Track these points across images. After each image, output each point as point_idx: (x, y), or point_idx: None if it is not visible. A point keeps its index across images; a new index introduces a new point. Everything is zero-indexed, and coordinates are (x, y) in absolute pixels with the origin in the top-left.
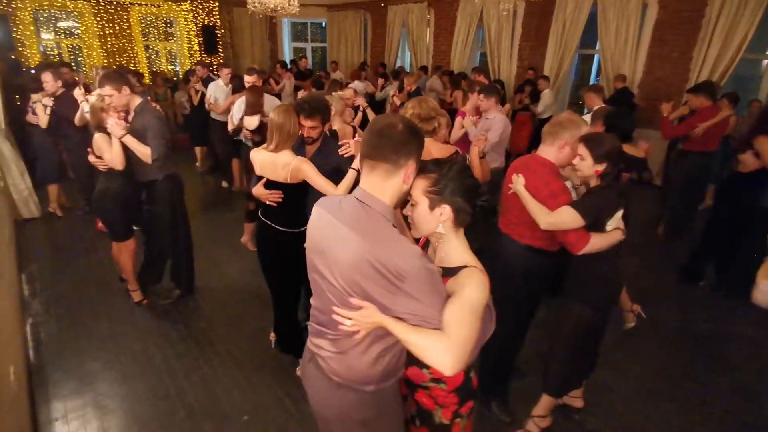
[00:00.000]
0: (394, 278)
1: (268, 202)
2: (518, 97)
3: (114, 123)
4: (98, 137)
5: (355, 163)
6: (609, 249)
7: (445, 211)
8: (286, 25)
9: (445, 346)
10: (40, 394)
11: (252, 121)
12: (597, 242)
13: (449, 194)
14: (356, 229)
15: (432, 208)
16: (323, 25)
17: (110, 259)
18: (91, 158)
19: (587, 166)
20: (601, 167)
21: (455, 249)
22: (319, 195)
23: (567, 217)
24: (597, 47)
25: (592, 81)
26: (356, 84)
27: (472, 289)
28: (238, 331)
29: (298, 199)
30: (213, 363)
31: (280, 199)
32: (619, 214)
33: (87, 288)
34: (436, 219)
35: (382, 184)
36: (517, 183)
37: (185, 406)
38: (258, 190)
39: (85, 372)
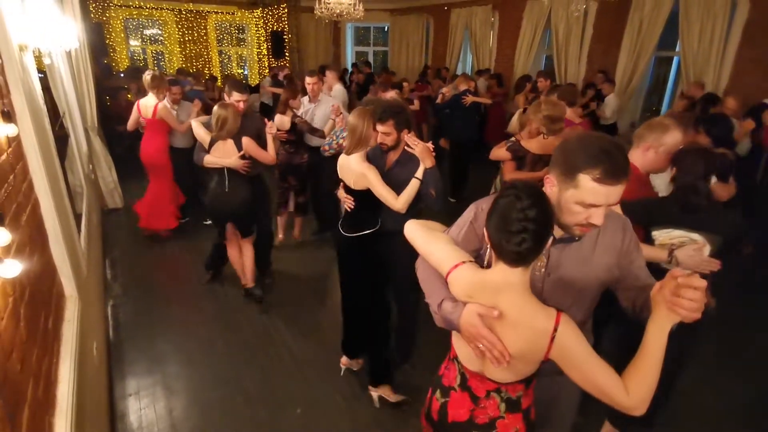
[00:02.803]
0: None
1: (345, 207)
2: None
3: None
4: (251, 141)
5: (419, 172)
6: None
7: (486, 236)
8: (350, 29)
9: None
10: (116, 371)
11: (283, 121)
12: None
13: (486, 225)
14: None
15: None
16: (385, 29)
17: (182, 248)
18: (240, 162)
19: (668, 173)
20: (672, 171)
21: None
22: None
23: None
24: (677, 49)
25: (669, 86)
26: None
27: (446, 246)
28: (294, 326)
29: (368, 204)
30: (270, 354)
31: (353, 205)
32: (679, 233)
33: (161, 274)
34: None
35: None
36: None
37: (243, 393)
38: (340, 193)
39: (156, 353)
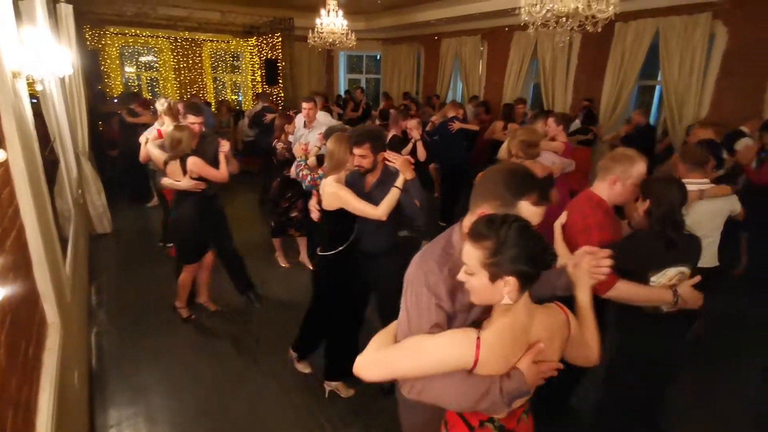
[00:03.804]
0: None
1: (312, 216)
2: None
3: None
4: (197, 160)
5: (398, 182)
6: (656, 311)
7: (510, 282)
8: (343, 57)
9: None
10: (98, 400)
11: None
12: (627, 290)
13: (510, 263)
14: None
15: (493, 280)
16: (378, 58)
17: (170, 275)
18: (192, 182)
19: (639, 204)
20: (644, 205)
21: (498, 313)
22: (365, 218)
23: None
24: (659, 78)
25: (653, 113)
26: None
27: (445, 340)
28: (284, 352)
29: (339, 225)
30: (258, 382)
31: (319, 216)
32: (674, 272)
33: (148, 301)
34: (500, 291)
35: None
36: (558, 220)
37: (229, 423)
38: (310, 204)
39: (140, 383)
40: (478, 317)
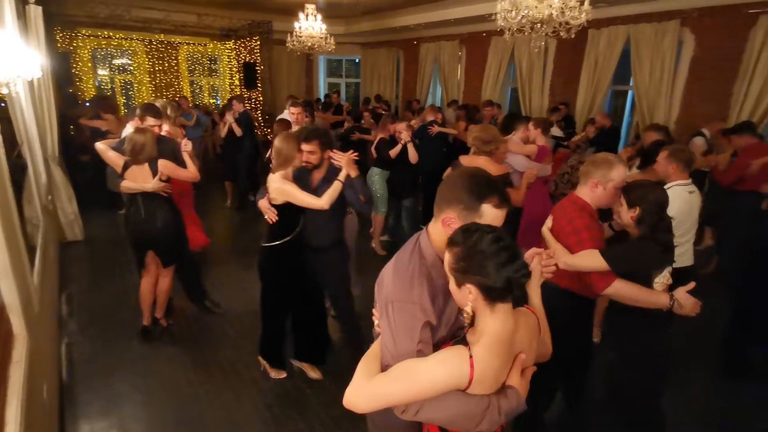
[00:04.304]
0: None
1: (266, 218)
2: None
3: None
4: (167, 162)
5: (341, 175)
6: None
7: (472, 291)
8: (322, 61)
9: (360, 383)
10: (69, 413)
11: None
12: (625, 289)
13: (475, 272)
14: None
15: (459, 286)
16: (357, 62)
17: None
18: (160, 184)
19: (624, 212)
20: (633, 212)
21: (482, 325)
22: (313, 214)
23: (587, 260)
24: (631, 83)
25: (626, 117)
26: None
27: (437, 362)
28: None
29: (285, 218)
30: (237, 390)
31: (275, 218)
32: (665, 272)
33: (121, 310)
34: (465, 297)
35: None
36: (545, 225)
37: None
38: (261, 203)
39: (113, 393)
40: (458, 325)
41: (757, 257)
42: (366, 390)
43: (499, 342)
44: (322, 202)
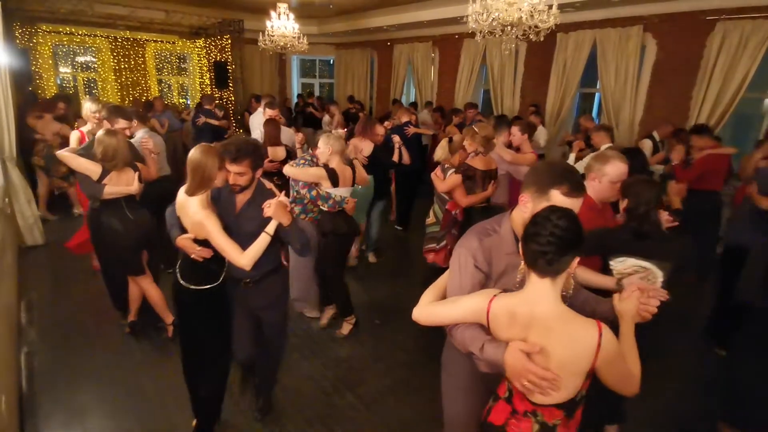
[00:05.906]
0: None
1: (193, 257)
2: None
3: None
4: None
5: (269, 227)
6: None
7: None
8: (296, 61)
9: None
10: (29, 425)
11: (276, 152)
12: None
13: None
14: None
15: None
16: (331, 62)
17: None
18: (139, 186)
19: (621, 203)
20: (624, 203)
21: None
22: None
23: None
24: (598, 86)
25: (594, 118)
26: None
27: (472, 297)
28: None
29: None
30: None
31: (206, 256)
32: (632, 262)
33: (84, 317)
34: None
35: None
36: None
37: None
38: (183, 241)
39: (76, 404)
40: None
41: (730, 255)
42: (426, 310)
43: (516, 299)
44: (245, 260)
